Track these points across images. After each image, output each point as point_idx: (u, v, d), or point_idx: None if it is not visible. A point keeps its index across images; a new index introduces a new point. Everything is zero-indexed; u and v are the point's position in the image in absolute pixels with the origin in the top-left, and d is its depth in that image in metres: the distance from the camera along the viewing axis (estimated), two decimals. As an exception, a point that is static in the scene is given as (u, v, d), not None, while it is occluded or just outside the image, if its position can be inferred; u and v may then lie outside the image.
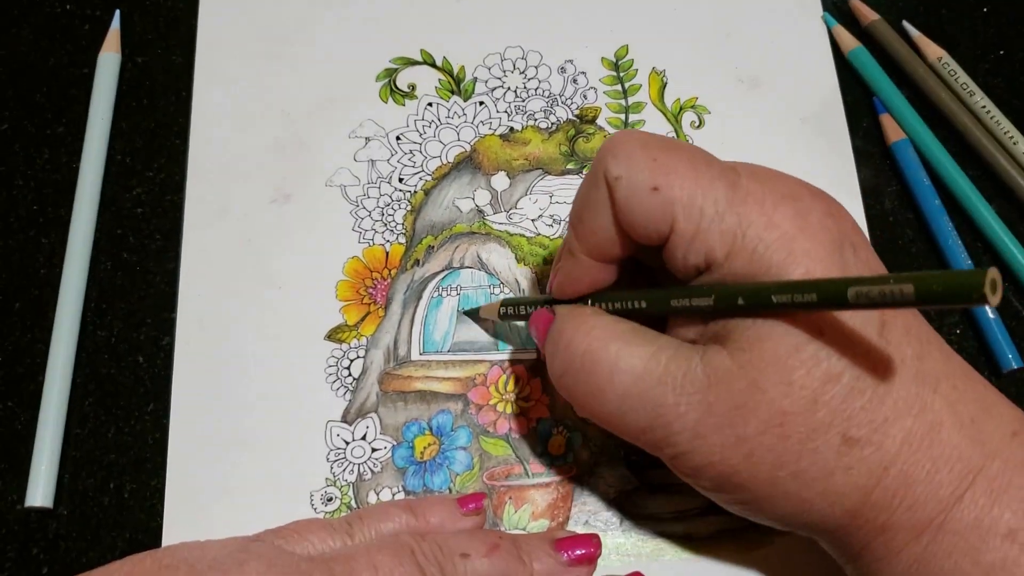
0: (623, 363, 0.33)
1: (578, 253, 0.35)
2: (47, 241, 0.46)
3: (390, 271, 0.45)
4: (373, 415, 0.43)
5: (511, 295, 0.45)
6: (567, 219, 0.46)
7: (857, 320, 0.30)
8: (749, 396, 0.30)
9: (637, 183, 0.32)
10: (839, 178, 0.47)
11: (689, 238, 0.32)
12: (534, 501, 0.41)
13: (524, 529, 0.41)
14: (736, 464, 0.31)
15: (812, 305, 0.28)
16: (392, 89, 0.49)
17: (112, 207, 0.47)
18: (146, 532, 0.41)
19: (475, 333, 0.44)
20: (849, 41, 0.50)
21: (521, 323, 0.44)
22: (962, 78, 0.48)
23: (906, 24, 0.50)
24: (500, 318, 0.42)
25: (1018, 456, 0.31)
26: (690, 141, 0.48)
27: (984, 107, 0.47)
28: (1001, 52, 0.50)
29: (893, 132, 0.47)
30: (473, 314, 0.44)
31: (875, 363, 0.30)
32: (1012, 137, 0.46)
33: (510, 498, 0.41)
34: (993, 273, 0.24)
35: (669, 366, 0.32)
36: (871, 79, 0.49)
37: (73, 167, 0.47)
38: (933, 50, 0.49)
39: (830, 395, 0.30)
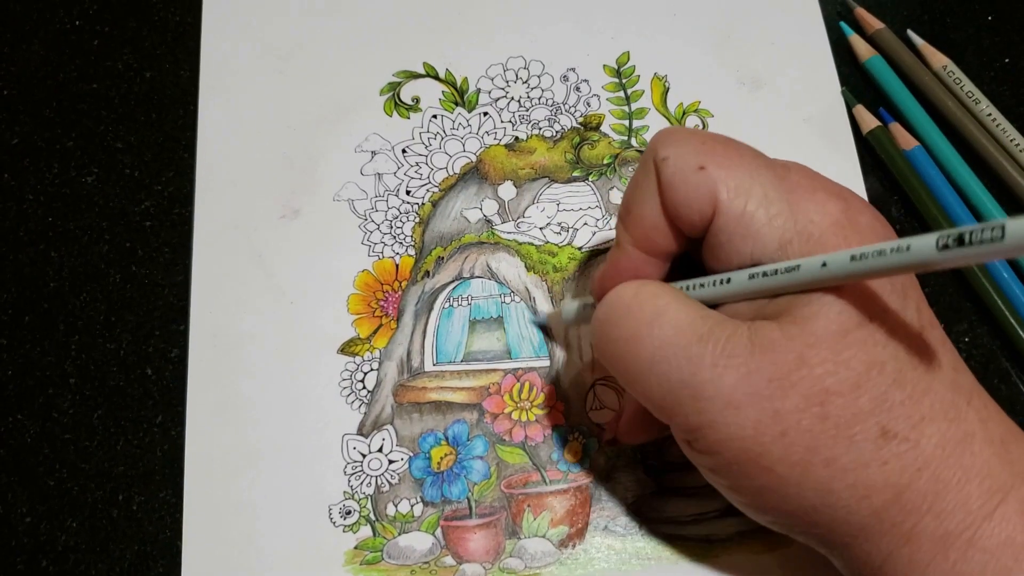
0: (669, 313, 0.32)
1: (625, 244, 0.34)
2: (56, 255, 0.46)
3: (400, 283, 0.45)
4: (389, 427, 0.42)
5: (522, 304, 0.45)
6: (575, 227, 0.46)
7: (903, 318, 0.30)
8: (794, 369, 0.29)
9: (684, 163, 0.32)
10: (843, 174, 0.47)
11: (735, 219, 0.31)
12: (553, 508, 0.41)
13: (544, 536, 0.41)
14: (767, 443, 0.30)
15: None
16: (396, 102, 0.49)
17: (121, 220, 0.47)
18: (155, 544, 0.41)
19: (487, 342, 0.44)
20: (865, 51, 0.50)
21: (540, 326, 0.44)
22: (967, 86, 0.48)
23: (911, 33, 0.50)
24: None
25: None
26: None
27: (990, 115, 0.47)
28: (1006, 60, 0.50)
29: (904, 140, 0.47)
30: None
31: (918, 358, 0.30)
32: (1018, 145, 0.46)
33: (529, 506, 0.41)
34: None
35: (715, 328, 0.31)
36: (888, 88, 0.49)
37: (82, 181, 0.47)
38: (938, 59, 0.49)
39: (874, 382, 0.29)
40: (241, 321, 0.44)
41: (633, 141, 0.48)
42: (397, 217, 0.47)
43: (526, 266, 0.45)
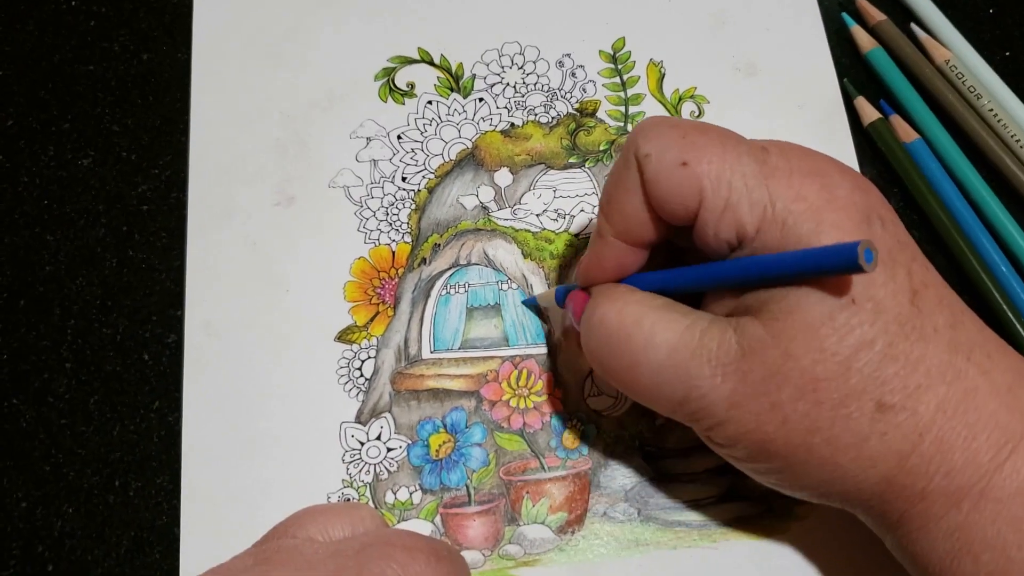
0: (657, 337, 0.33)
1: (607, 236, 0.35)
2: (52, 238, 0.46)
3: (397, 270, 0.45)
4: (387, 415, 0.42)
5: (520, 291, 0.45)
6: (572, 213, 0.46)
7: (889, 289, 0.31)
8: (782, 364, 0.31)
9: (666, 159, 0.32)
10: (839, 159, 0.47)
11: (719, 212, 0.32)
12: (551, 495, 0.41)
13: (543, 523, 0.41)
14: (771, 431, 0.31)
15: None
16: (391, 88, 0.49)
17: (118, 204, 0.46)
18: (151, 530, 0.41)
19: (485, 329, 0.44)
20: (867, 42, 0.50)
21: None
22: (969, 80, 0.48)
23: (914, 26, 0.50)
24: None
25: None
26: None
27: (991, 110, 0.47)
28: (1007, 53, 0.50)
29: (904, 133, 0.47)
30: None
31: (908, 331, 0.31)
32: (1019, 140, 0.46)
33: (527, 492, 0.41)
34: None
35: (703, 339, 0.32)
36: (889, 80, 0.49)
37: (78, 164, 0.47)
38: (940, 52, 0.49)
39: (863, 362, 0.30)
40: (236, 309, 0.44)
41: (629, 127, 0.48)
42: (393, 204, 0.46)
43: (523, 253, 0.45)
